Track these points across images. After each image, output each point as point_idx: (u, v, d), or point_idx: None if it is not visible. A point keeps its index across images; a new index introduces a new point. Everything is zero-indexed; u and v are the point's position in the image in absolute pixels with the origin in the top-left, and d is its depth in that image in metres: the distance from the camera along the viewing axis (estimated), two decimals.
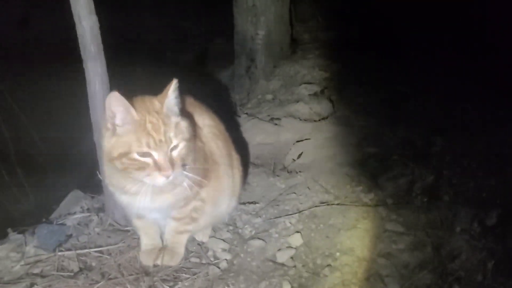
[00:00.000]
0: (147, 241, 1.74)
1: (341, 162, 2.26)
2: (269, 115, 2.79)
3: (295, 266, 1.68)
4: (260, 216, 1.99)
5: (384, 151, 2.31)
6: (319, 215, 1.93)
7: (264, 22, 3.18)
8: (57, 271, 1.66)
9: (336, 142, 2.42)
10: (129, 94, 1.38)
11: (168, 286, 1.59)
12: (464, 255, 1.62)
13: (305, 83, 3.11)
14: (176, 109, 1.43)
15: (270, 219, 1.96)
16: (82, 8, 1.62)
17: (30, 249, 1.79)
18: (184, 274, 1.65)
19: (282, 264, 1.70)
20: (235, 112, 3.01)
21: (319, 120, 2.67)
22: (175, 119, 1.42)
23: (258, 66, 3.26)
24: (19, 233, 1.90)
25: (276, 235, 1.85)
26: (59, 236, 1.83)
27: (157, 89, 1.45)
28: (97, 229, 1.90)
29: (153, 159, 1.35)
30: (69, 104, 2.40)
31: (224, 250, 1.80)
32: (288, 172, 2.32)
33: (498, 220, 1.77)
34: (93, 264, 1.71)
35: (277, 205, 2.05)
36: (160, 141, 1.35)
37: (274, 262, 1.72)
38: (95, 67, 1.68)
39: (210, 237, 1.85)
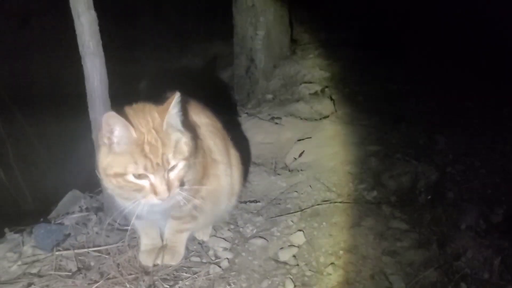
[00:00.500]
0: (146, 241, 1.71)
1: (343, 160, 2.24)
2: (269, 115, 2.77)
3: (297, 265, 1.65)
4: (261, 215, 1.95)
5: (387, 149, 2.28)
6: (321, 214, 1.90)
7: (263, 22, 3.16)
8: (55, 271, 1.62)
9: (338, 141, 2.39)
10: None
11: (168, 285, 1.55)
12: (469, 252, 1.59)
13: (305, 82, 3.10)
14: (177, 123, 1.36)
15: (272, 217, 1.93)
16: (80, 4, 1.60)
17: (27, 249, 1.76)
18: (184, 273, 1.62)
19: (285, 263, 1.67)
20: (236, 112, 2.99)
21: (320, 119, 2.65)
22: (176, 136, 1.35)
23: (258, 66, 3.24)
24: (16, 232, 1.87)
25: (278, 234, 1.82)
26: (56, 236, 1.79)
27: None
28: (95, 229, 1.86)
29: (149, 182, 1.31)
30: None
31: (225, 249, 1.76)
32: (289, 170, 2.29)
33: (503, 217, 1.76)
34: (92, 263, 1.67)
35: (279, 203, 2.02)
36: (158, 164, 1.29)
37: (276, 260, 1.68)
38: (94, 63, 1.65)
39: (211, 236, 1.82)
